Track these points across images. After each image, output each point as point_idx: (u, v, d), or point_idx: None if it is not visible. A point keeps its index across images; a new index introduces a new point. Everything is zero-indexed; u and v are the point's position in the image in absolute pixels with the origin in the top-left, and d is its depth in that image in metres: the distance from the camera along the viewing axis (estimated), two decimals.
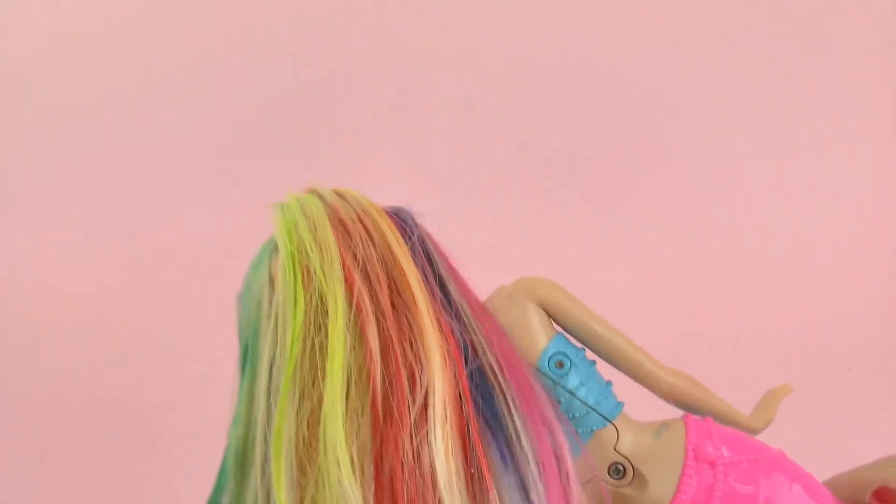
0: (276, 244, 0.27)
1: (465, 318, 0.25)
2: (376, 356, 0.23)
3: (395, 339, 0.23)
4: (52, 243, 0.78)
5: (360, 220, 0.27)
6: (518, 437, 0.23)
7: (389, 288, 0.25)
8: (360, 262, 0.25)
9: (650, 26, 0.85)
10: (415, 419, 0.22)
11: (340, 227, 0.27)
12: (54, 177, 0.80)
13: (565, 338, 0.33)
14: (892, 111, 0.87)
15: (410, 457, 0.21)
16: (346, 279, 0.25)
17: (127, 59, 0.81)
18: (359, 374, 0.22)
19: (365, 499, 0.20)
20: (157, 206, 0.80)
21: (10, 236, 0.78)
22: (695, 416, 0.32)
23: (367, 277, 0.25)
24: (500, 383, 0.24)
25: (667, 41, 0.85)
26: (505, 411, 0.23)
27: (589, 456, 0.30)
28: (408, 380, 0.22)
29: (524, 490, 0.22)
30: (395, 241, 0.27)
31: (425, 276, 0.26)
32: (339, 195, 0.29)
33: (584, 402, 0.31)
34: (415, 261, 0.26)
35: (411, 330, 0.24)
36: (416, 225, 0.28)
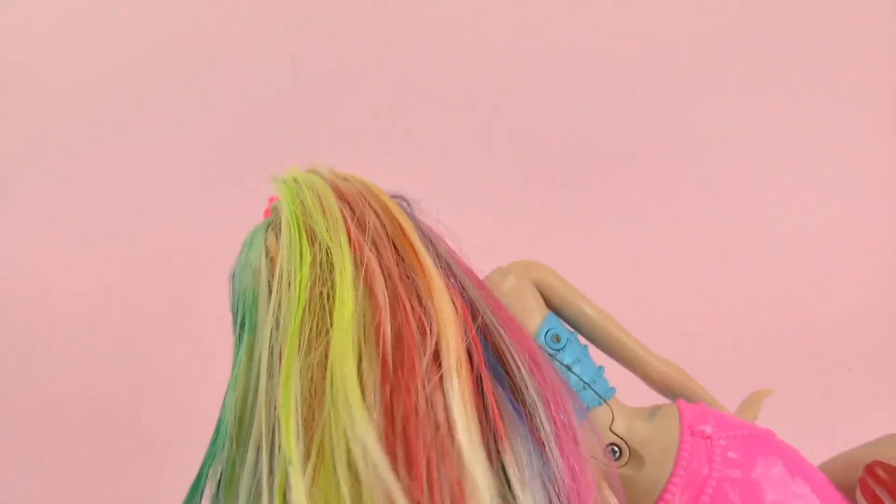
0: (268, 223, 0.27)
1: (467, 285, 0.25)
2: (385, 309, 0.22)
3: (403, 295, 0.23)
4: (52, 243, 0.78)
5: (362, 194, 0.27)
6: (527, 388, 0.23)
7: (394, 253, 0.25)
8: (364, 228, 0.25)
9: (650, 26, 0.85)
10: (426, 367, 0.21)
11: (343, 198, 0.26)
12: (54, 177, 0.80)
13: (558, 319, 0.33)
14: (892, 111, 0.87)
15: (424, 404, 0.20)
16: (350, 240, 0.24)
17: (127, 60, 0.81)
18: (368, 326, 0.22)
19: (378, 437, 0.19)
20: (157, 206, 0.80)
21: (10, 236, 0.78)
22: (686, 401, 0.32)
23: (371, 241, 0.25)
24: (504, 341, 0.24)
25: (667, 41, 0.85)
26: (513, 366, 0.23)
27: (587, 431, 0.29)
28: (418, 331, 0.22)
29: (537, 439, 0.22)
30: (398, 211, 0.27)
31: (427, 247, 0.26)
32: (338, 174, 0.29)
33: (580, 378, 0.31)
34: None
35: (418, 288, 0.23)
36: (412, 209, 0.28)
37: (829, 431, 0.62)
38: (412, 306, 0.23)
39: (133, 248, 0.78)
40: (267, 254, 0.26)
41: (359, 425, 0.19)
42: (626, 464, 0.30)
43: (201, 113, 0.81)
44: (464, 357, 0.22)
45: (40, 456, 0.65)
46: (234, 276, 0.27)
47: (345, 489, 0.19)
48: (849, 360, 0.76)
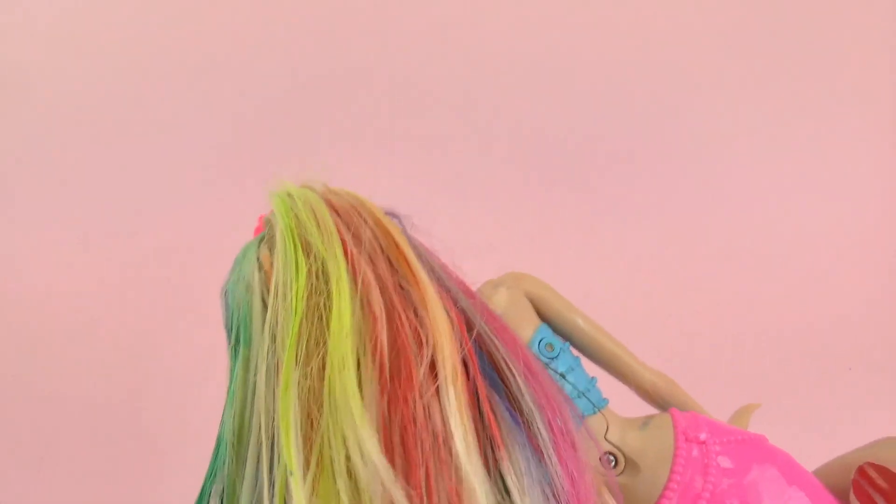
0: (260, 239, 0.27)
1: (460, 297, 0.25)
2: (381, 320, 0.22)
3: (398, 306, 0.23)
4: (52, 243, 0.78)
5: (355, 208, 0.27)
6: (523, 396, 0.23)
7: (388, 264, 0.25)
8: (358, 240, 0.25)
9: (651, 27, 0.85)
10: (423, 377, 0.21)
11: (337, 212, 0.27)
12: (54, 177, 0.80)
13: (550, 329, 0.33)
14: (892, 111, 0.87)
15: (421, 414, 0.20)
16: (346, 252, 0.24)
17: (127, 60, 0.81)
18: (364, 337, 0.22)
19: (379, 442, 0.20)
20: (157, 206, 0.80)
21: (10, 236, 0.78)
22: (678, 410, 0.33)
23: (366, 253, 0.25)
24: (500, 350, 0.24)
25: (667, 42, 0.85)
26: (508, 375, 0.23)
27: (584, 438, 0.30)
28: (414, 341, 0.22)
29: (534, 446, 0.22)
30: (391, 224, 0.27)
31: (420, 259, 0.26)
32: (331, 189, 0.29)
33: (574, 387, 0.31)
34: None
35: (413, 299, 0.24)
36: (403, 225, 0.28)
37: (829, 431, 0.62)
38: (408, 317, 0.23)
39: (133, 248, 0.78)
40: (260, 268, 0.26)
41: (362, 432, 0.19)
42: (622, 472, 0.30)
43: (201, 113, 0.81)
44: (459, 367, 0.22)
45: (40, 456, 0.65)
46: (226, 291, 0.27)
47: (345, 498, 0.19)
48: (849, 360, 0.76)
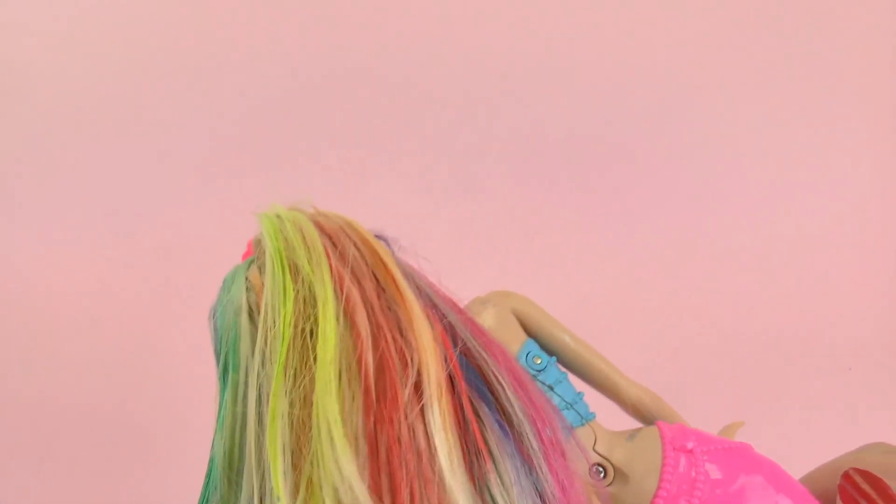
0: (249, 263, 0.28)
1: (447, 312, 0.26)
2: (367, 341, 0.23)
3: (384, 326, 0.23)
4: (52, 243, 0.78)
5: (343, 229, 0.28)
6: (513, 407, 0.23)
7: (375, 284, 0.25)
8: (346, 261, 0.26)
9: (651, 27, 0.85)
10: (408, 397, 0.22)
11: (325, 233, 0.27)
12: (54, 177, 0.80)
13: (537, 344, 0.34)
14: (893, 111, 0.87)
15: (406, 434, 0.21)
16: (333, 274, 0.25)
17: (127, 60, 0.81)
18: (350, 359, 0.23)
19: (360, 472, 0.20)
20: (156, 206, 0.80)
21: (10, 236, 0.78)
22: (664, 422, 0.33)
23: (353, 274, 0.25)
24: (488, 363, 0.24)
25: (667, 42, 0.85)
26: (497, 387, 0.24)
27: (574, 449, 0.30)
28: (399, 361, 0.23)
29: (524, 456, 0.23)
30: (378, 245, 0.27)
31: (407, 279, 0.26)
32: (320, 212, 0.30)
33: (562, 398, 0.32)
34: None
35: (399, 319, 0.24)
36: (391, 247, 0.29)
37: (829, 431, 0.62)
38: (393, 337, 0.23)
39: (133, 248, 0.78)
40: (250, 290, 0.26)
41: (342, 461, 0.20)
42: (611, 483, 0.31)
43: (201, 113, 0.81)
44: (445, 384, 0.22)
45: (40, 456, 0.65)
46: (215, 315, 0.27)
47: None
48: (849, 360, 0.76)
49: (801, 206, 0.85)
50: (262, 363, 0.23)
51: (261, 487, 0.22)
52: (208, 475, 0.25)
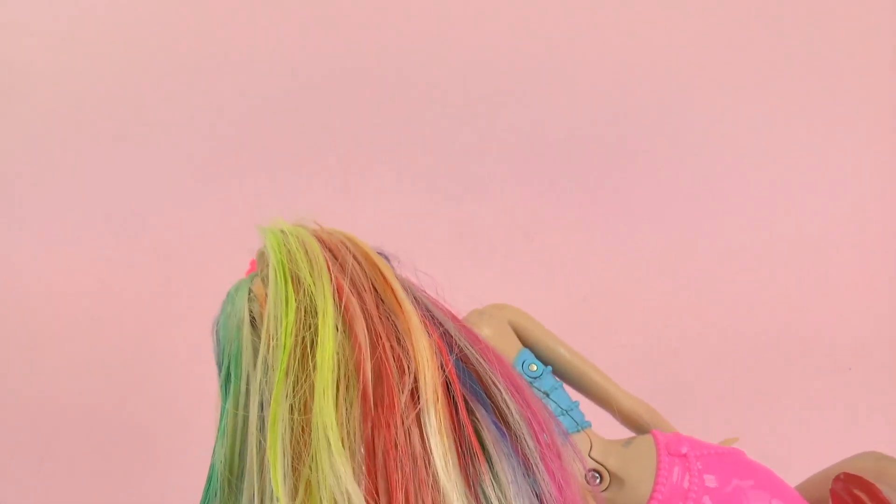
0: (252, 277, 0.29)
1: (444, 321, 0.27)
2: (366, 349, 0.24)
3: (382, 335, 0.24)
4: (52, 243, 0.78)
5: (344, 243, 0.29)
6: (509, 410, 0.24)
7: (374, 295, 0.26)
8: (346, 273, 0.27)
9: (651, 27, 0.85)
10: (405, 403, 0.22)
11: (327, 247, 0.28)
12: (54, 177, 0.80)
13: (532, 354, 0.35)
14: (893, 111, 0.87)
15: (403, 438, 0.22)
16: (333, 285, 0.26)
17: (127, 60, 0.81)
18: (348, 366, 0.23)
19: (355, 476, 0.21)
20: (156, 206, 0.80)
21: (10, 236, 0.78)
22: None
23: (353, 285, 0.26)
24: (485, 368, 0.25)
25: (668, 43, 0.85)
26: (494, 390, 0.24)
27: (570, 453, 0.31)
28: (396, 368, 0.23)
29: (521, 456, 0.23)
30: (378, 259, 0.28)
31: (405, 290, 0.27)
32: (322, 228, 0.31)
33: (557, 405, 0.32)
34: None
35: (396, 328, 0.25)
36: (391, 263, 0.30)
37: (829, 431, 0.62)
38: (391, 345, 0.24)
39: (133, 248, 0.78)
40: (253, 300, 0.27)
41: (337, 464, 0.21)
42: (607, 488, 0.32)
43: (201, 113, 0.81)
44: (441, 390, 0.23)
45: (40, 456, 0.65)
46: (218, 327, 0.29)
47: None
48: (849, 360, 0.76)
49: (800, 207, 0.85)
50: (264, 370, 0.24)
51: (261, 490, 0.22)
52: (209, 481, 0.25)
